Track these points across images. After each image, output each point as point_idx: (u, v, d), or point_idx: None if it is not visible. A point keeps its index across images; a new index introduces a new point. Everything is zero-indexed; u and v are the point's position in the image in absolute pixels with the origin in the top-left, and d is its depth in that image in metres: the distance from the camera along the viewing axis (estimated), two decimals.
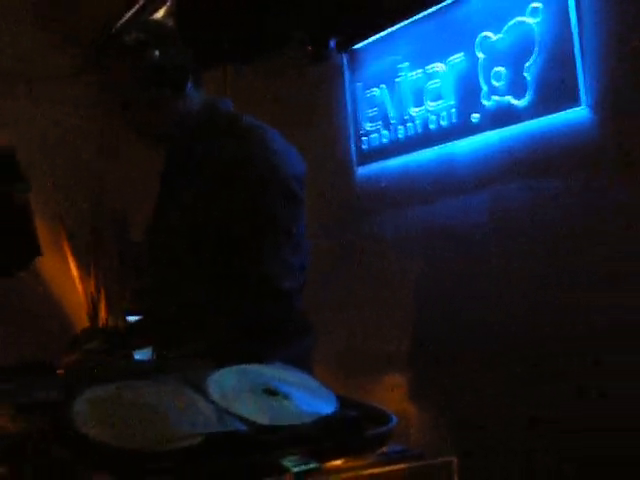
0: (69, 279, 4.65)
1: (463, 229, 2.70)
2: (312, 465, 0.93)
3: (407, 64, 2.84)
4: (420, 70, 2.79)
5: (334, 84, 3.18)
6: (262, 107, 3.04)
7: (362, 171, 3.08)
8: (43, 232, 4.44)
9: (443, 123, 2.70)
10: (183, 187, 2.03)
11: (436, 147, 2.75)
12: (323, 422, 1.02)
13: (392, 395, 2.97)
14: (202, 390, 1.07)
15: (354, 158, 3.10)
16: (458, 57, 2.62)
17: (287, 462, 0.93)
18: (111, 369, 1.54)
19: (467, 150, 2.65)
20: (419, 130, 2.80)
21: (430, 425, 2.87)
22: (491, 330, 2.58)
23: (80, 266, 4.63)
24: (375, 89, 2.98)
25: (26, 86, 4.67)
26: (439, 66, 2.70)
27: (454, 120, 2.67)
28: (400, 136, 2.87)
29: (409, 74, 2.83)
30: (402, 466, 1.03)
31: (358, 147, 3.07)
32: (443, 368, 2.77)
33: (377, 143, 2.98)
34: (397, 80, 2.88)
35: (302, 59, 3.12)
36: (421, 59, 2.79)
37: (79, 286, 4.65)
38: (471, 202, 2.67)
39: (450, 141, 2.69)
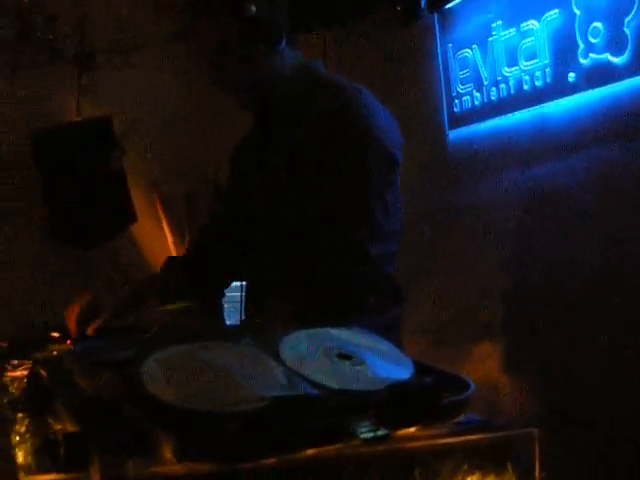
0: (164, 244, 4.70)
1: (559, 192, 2.61)
2: (382, 432, 0.90)
3: (500, 23, 2.74)
4: (513, 29, 2.69)
5: (425, 45, 3.10)
6: (353, 71, 2.99)
7: (454, 134, 3.00)
8: (138, 198, 4.52)
9: (538, 83, 2.60)
10: (273, 148, 2.00)
11: (531, 108, 2.66)
12: (397, 388, 0.98)
13: (482, 365, 2.91)
14: (275, 353, 1.05)
15: (446, 121, 3.02)
16: (553, 14, 2.52)
17: (357, 428, 0.90)
18: (185, 329, 1.54)
19: (563, 111, 2.55)
20: (512, 91, 2.71)
21: (522, 396, 2.80)
22: (593, 299, 2.49)
23: (175, 232, 4.68)
24: (467, 50, 2.90)
25: (123, 56, 4.72)
26: (533, 24, 2.60)
27: (549, 80, 2.56)
28: (493, 98, 2.79)
29: (502, 33, 2.74)
30: (478, 437, 0.98)
31: (450, 110, 2.99)
32: (538, 337, 2.69)
33: (469, 105, 2.90)
34: (490, 40, 2.79)
35: (392, 21, 3.06)
36: (515, 17, 2.69)
37: (174, 252, 4.69)
38: (567, 165, 2.57)
39: (545, 102, 2.60)
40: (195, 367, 0.98)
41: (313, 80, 1.96)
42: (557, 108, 2.57)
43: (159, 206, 4.70)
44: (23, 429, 1.42)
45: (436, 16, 3.03)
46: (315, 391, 0.97)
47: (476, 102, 2.86)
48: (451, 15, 2.97)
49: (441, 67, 3.02)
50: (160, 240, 4.70)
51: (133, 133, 4.52)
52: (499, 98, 2.76)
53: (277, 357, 1.04)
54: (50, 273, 4.26)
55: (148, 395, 0.91)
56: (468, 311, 2.95)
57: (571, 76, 2.47)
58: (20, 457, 1.32)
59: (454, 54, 2.96)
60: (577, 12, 2.41)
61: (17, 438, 1.41)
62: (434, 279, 3.09)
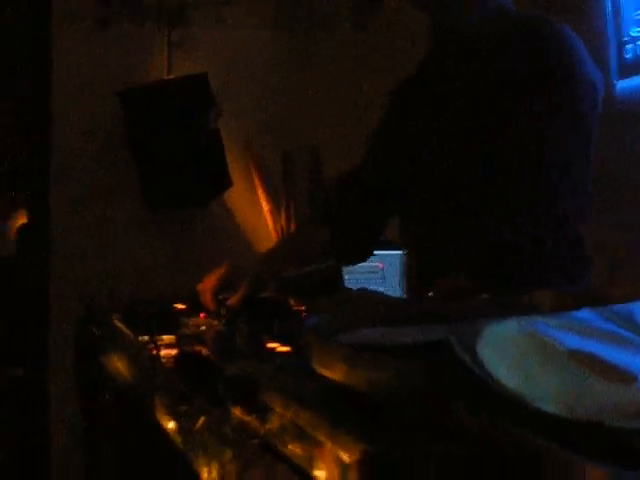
0: (259, 212, 4.42)
1: None
2: None
3: None
4: None
5: None
6: None
7: (624, 84, 2.60)
8: (232, 162, 4.23)
9: None
10: (455, 87, 1.68)
11: None
12: None
13: None
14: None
15: (614, 69, 2.63)
16: None
17: None
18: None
19: None
20: None
21: None
22: None
23: (270, 198, 4.38)
24: None
25: (215, 11, 4.42)
26: None
27: None
28: None
29: None
30: None
31: (620, 56, 2.60)
32: None
33: None
34: None
35: None
36: None
37: (269, 219, 4.40)
38: None
39: None
40: (557, 357, 0.63)
41: (508, 11, 1.67)
42: None
43: (254, 170, 4.40)
44: (199, 425, 1.09)
45: None
46: None
47: None
48: None
49: (610, 7, 2.63)
50: (254, 206, 4.42)
51: (226, 91, 4.25)
52: None
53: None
54: (146, 241, 4.01)
55: (512, 396, 0.57)
56: None
57: None
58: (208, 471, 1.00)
59: None
60: None
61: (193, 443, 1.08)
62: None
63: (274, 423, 0.88)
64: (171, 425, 1.12)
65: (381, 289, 2.25)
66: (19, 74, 3.90)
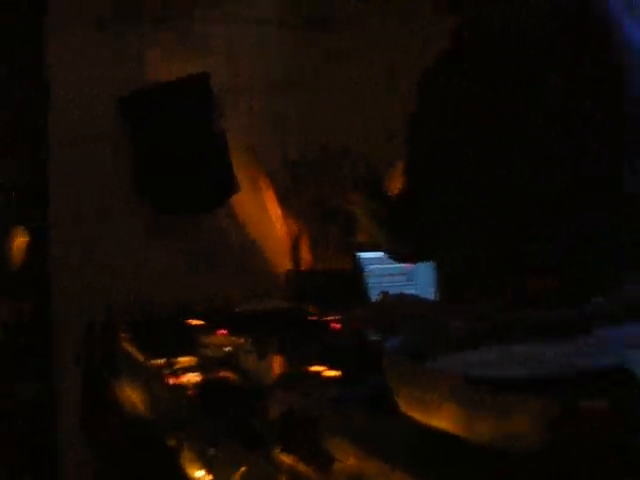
0: (268, 218, 4.22)
1: None
2: None
3: None
4: None
5: None
6: None
7: None
8: (239, 166, 4.04)
9: None
10: (506, 80, 1.51)
11: None
12: None
13: None
14: None
15: None
16: None
17: None
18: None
19: None
20: None
21: None
22: None
23: (279, 204, 4.19)
24: None
25: (216, 7, 4.23)
26: None
27: None
28: None
29: None
30: None
31: None
32: None
33: None
34: None
35: None
36: None
37: (279, 226, 4.20)
38: None
39: None
40: None
41: None
42: None
43: (261, 175, 4.21)
44: (238, 477, 0.87)
45: None
46: None
47: None
48: None
49: None
50: (263, 212, 4.23)
51: (232, 92, 4.06)
52: None
53: None
54: (149, 247, 3.80)
55: None
56: None
57: None
58: None
59: None
60: None
61: None
62: None
63: (339, 477, 0.67)
64: (198, 475, 0.90)
65: (411, 291, 2.04)
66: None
